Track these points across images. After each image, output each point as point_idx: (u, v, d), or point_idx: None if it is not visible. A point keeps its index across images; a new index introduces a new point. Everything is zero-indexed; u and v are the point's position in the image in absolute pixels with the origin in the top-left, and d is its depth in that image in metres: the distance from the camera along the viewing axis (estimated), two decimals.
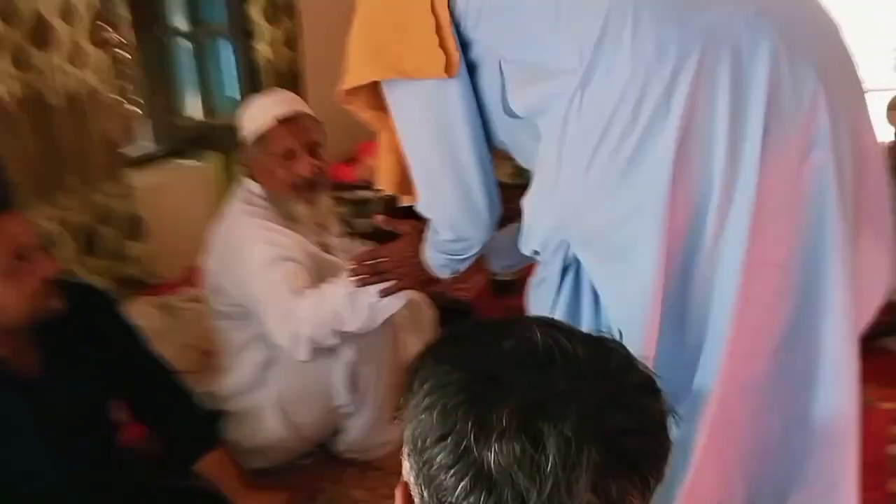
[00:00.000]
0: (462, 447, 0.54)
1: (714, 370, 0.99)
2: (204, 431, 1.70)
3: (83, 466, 1.46)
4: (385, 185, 1.44)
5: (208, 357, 2.18)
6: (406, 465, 0.61)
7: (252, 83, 2.73)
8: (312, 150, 1.86)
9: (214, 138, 2.89)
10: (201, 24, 2.80)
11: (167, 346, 1.75)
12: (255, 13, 2.66)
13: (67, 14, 2.14)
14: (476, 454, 0.53)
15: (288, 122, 1.84)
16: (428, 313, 2.31)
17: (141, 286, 2.50)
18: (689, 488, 1.01)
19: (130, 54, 2.81)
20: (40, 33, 2.09)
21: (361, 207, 2.90)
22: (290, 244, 1.80)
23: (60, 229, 2.21)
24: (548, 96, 1.01)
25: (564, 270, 1.10)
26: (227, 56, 2.85)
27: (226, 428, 1.87)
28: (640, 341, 0.98)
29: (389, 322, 1.80)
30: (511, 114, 1.10)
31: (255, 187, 1.89)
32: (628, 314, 0.99)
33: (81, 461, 1.46)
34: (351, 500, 1.94)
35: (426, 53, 1.09)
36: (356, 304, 1.63)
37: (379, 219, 1.63)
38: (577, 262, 1.08)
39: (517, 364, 0.57)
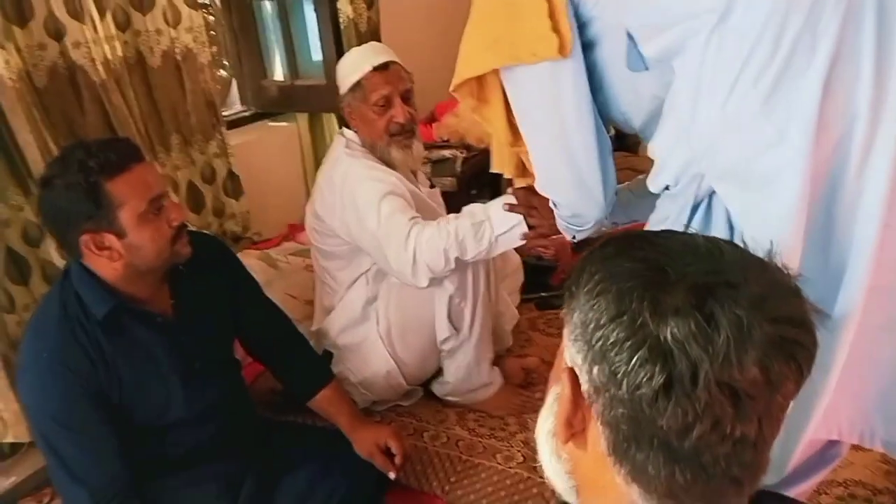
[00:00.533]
0: (638, 323, 0.57)
1: (854, 300, 1.00)
2: (317, 370, 1.79)
3: (212, 401, 1.56)
4: (501, 170, 1.55)
5: (309, 306, 2.28)
6: (571, 350, 0.64)
7: (335, 43, 2.77)
8: (405, 97, 1.95)
9: (299, 99, 2.97)
10: None
11: (271, 296, 1.84)
12: None
13: None
14: (651, 328, 0.56)
15: (383, 70, 1.92)
16: (516, 259, 2.37)
17: (239, 241, 2.61)
18: (829, 405, 1.04)
19: (217, 18, 2.89)
20: None
21: (441, 166, 2.94)
22: (395, 181, 1.89)
23: (168, 187, 2.31)
24: (684, 36, 1.04)
25: (694, 208, 1.12)
26: (309, 17, 2.89)
27: (335, 364, 1.97)
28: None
29: (485, 264, 1.88)
30: (638, 67, 1.13)
31: (352, 135, 1.98)
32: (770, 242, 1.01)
33: (211, 396, 1.56)
34: (454, 437, 2.02)
35: (540, 37, 1.14)
36: (481, 233, 1.72)
37: (513, 191, 1.71)
38: (708, 198, 1.11)
39: (683, 257, 0.60)
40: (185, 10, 2.29)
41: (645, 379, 0.56)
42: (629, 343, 0.57)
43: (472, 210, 1.76)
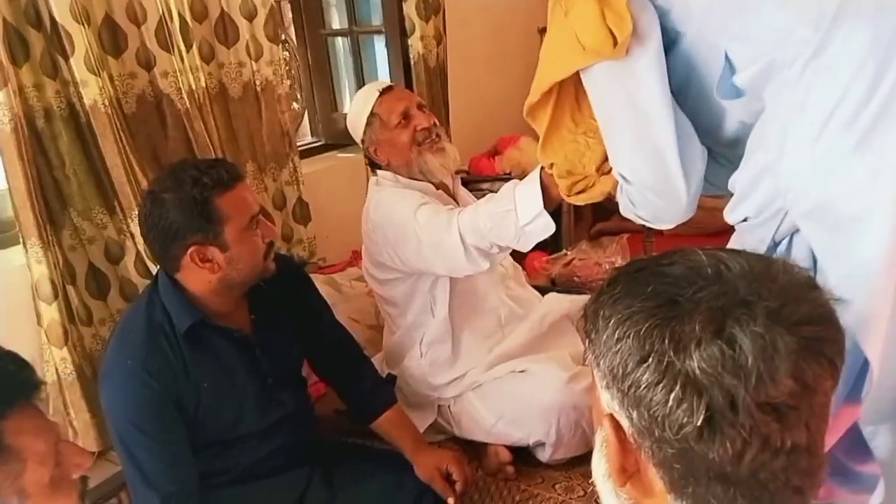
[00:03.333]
0: (665, 363, 0.58)
1: None
2: (382, 392, 1.82)
3: (280, 416, 1.60)
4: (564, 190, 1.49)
5: (371, 330, 2.32)
6: (605, 398, 0.65)
7: (405, 78, 2.86)
8: (420, 107, 1.99)
9: None
10: (358, 22, 2.96)
11: None
12: (410, 10, 2.80)
13: (248, 10, 2.33)
14: (679, 366, 0.57)
15: (389, 92, 1.99)
16: None
17: (305, 266, 2.68)
18: None
19: (293, 53, 3.01)
20: (224, 29, 2.29)
21: None
22: (421, 195, 1.91)
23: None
24: (776, 67, 1.03)
25: (775, 245, 1.11)
26: (380, 53, 3.00)
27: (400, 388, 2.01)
28: (867, 313, 0.98)
29: None
30: (730, 95, 1.11)
31: (383, 173, 2.01)
32: (856, 284, 0.99)
33: (280, 411, 1.60)
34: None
35: (598, 37, 1.13)
36: (507, 222, 1.65)
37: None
38: (790, 235, 1.10)
39: (691, 283, 0.60)
40: (266, 44, 2.39)
41: (686, 418, 0.57)
42: (661, 385, 0.58)
43: (503, 193, 1.69)
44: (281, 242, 2.60)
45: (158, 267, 1.52)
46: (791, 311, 0.58)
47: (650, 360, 0.58)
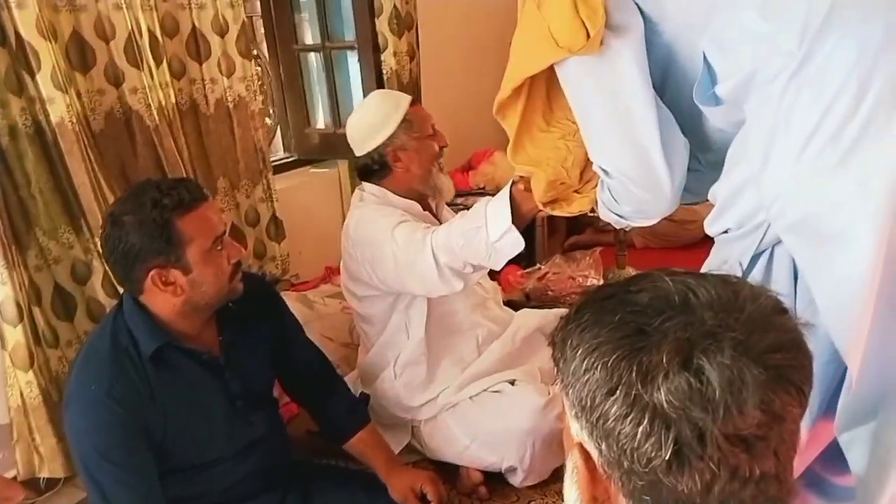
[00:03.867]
0: (633, 396, 0.57)
1: None
2: (355, 412, 1.80)
3: (251, 439, 1.58)
4: (541, 196, 1.48)
5: (345, 348, 2.30)
6: (575, 427, 0.65)
7: None
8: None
9: (341, 146, 3.03)
10: (331, 38, 2.96)
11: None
12: (383, 25, 2.80)
13: (219, 26, 2.32)
14: (647, 399, 0.57)
15: (416, 103, 2.00)
16: None
17: (277, 284, 2.65)
18: None
19: (265, 68, 3.00)
20: (196, 44, 2.27)
21: None
22: (403, 212, 1.91)
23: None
24: (756, 80, 1.02)
25: (755, 257, 1.10)
26: (353, 68, 2.99)
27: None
28: (849, 327, 0.98)
29: None
30: (708, 102, 1.10)
31: (371, 188, 2.00)
32: (840, 298, 0.99)
33: (250, 434, 1.58)
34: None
35: (570, 29, 1.09)
36: (475, 239, 1.64)
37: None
38: (771, 248, 1.09)
39: (658, 312, 0.60)
40: (238, 60, 2.38)
41: (654, 451, 0.57)
42: (629, 418, 0.58)
43: (475, 210, 1.69)
44: (253, 260, 2.57)
45: (123, 290, 1.49)
46: (758, 339, 0.57)
47: (618, 392, 0.58)
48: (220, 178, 2.40)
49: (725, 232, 1.15)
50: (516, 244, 1.62)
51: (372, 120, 1.98)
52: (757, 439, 0.56)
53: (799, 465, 0.99)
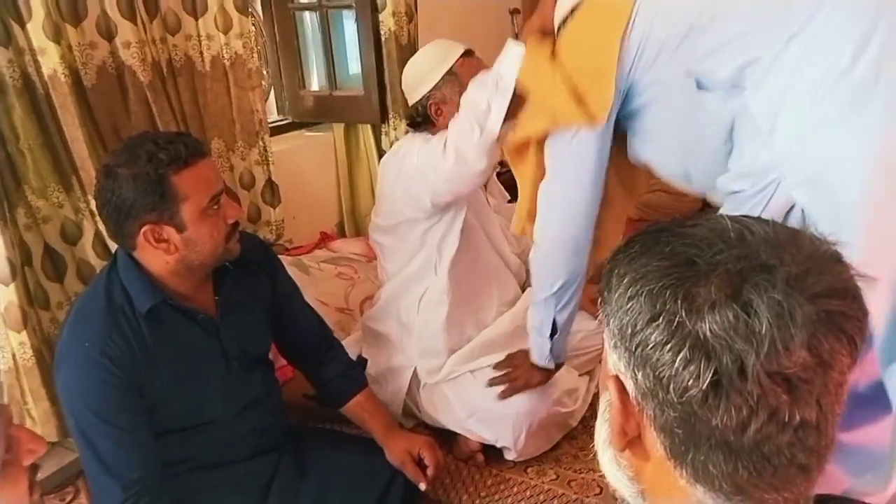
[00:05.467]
0: (675, 323, 0.55)
1: None
2: (352, 376, 1.78)
3: (246, 401, 1.56)
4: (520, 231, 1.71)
5: (340, 313, 2.28)
6: (613, 358, 0.63)
7: (376, 54, 2.79)
8: None
9: (336, 109, 2.99)
10: None
11: None
12: None
13: None
14: (690, 327, 0.55)
15: (470, 56, 1.95)
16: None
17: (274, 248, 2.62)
18: None
19: (259, 27, 2.92)
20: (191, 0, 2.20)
21: None
22: None
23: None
24: (758, 52, 1.10)
25: None
26: (350, 28, 2.92)
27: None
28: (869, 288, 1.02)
29: None
30: (706, 87, 1.18)
31: (422, 135, 1.98)
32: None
33: (246, 395, 1.56)
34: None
35: (570, 108, 1.32)
36: (482, 80, 1.72)
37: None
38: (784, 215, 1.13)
39: (711, 245, 0.58)
40: (235, 16, 2.30)
41: (691, 380, 0.55)
42: (669, 345, 0.56)
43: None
44: (247, 223, 2.53)
45: (117, 245, 1.45)
46: (814, 281, 0.55)
47: (660, 319, 0.56)
48: (215, 139, 2.34)
49: (738, 192, 1.19)
50: (517, 55, 1.63)
51: (418, 70, 1.94)
52: (801, 381, 0.54)
53: None
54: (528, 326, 1.79)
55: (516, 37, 1.66)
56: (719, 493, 0.60)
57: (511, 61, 1.65)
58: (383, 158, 2.09)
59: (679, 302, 0.56)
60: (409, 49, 2.86)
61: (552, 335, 1.73)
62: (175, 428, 1.47)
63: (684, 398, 0.56)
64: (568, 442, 1.99)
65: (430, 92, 1.91)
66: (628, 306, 0.59)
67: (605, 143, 1.40)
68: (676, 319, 0.55)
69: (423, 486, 1.65)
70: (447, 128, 1.85)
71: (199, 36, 2.25)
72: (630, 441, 0.64)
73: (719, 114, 1.20)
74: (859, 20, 1.00)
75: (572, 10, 1.44)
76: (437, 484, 1.84)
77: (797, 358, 0.53)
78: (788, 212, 1.13)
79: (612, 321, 0.62)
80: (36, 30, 1.76)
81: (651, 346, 0.57)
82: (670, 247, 0.59)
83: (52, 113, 1.85)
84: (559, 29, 1.49)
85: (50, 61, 1.79)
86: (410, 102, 1.97)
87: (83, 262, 2.00)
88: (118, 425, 1.35)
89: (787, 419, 0.55)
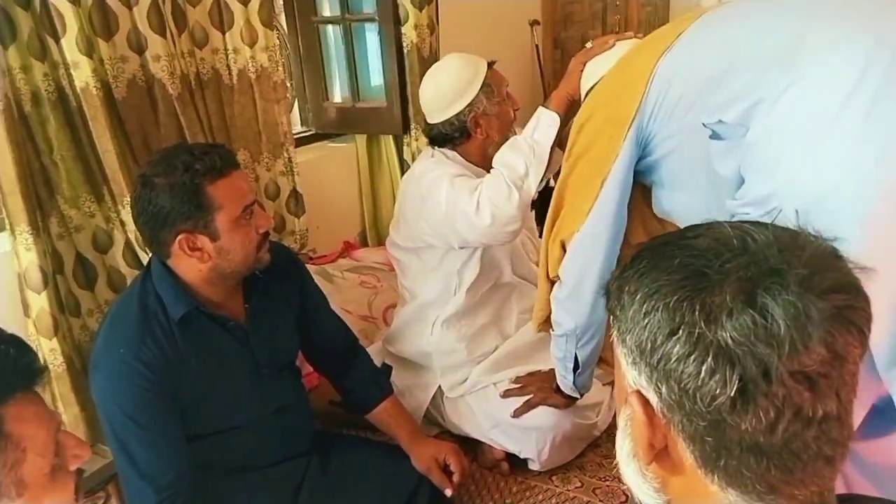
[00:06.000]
0: (696, 335, 0.57)
1: None
2: (378, 382, 1.80)
3: (275, 406, 1.58)
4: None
5: (364, 321, 2.30)
6: (631, 375, 0.64)
7: (398, 66, 2.83)
8: None
9: (359, 121, 3.02)
10: (350, 10, 2.92)
11: None
12: None
13: None
14: (711, 337, 0.56)
15: (493, 66, 1.97)
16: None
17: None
18: None
19: (284, 40, 2.97)
20: (219, 13, 2.24)
21: None
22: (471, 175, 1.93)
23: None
24: (762, 93, 1.16)
25: None
26: (372, 41, 2.96)
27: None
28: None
29: None
30: (718, 136, 1.24)
31: (447, 152, 2.00)
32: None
33: (275, 401, 1.58)
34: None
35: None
36: (515, 145, 1.78)
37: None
38: None
39: (718, 255, 0.59)
40: (261, 30, 2.34)
41: (719, 389, 0.56)
42: (693, 357, 0.57)
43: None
44: (272, 233, 2.55)
45: (151, 253, 1.48)
46: (820, 279, 0.57)
47: (680, 332, 0.58)
48: (241, 150, 2.37)
49: (744, 215, 1.21)
50: (552, 122, 1.70)
51: (454, 85, 1.93)
52: (820, 377, 0.56)
53: None
54: (551, 354, 1.78)
55: (536, 48, 1.72)
56: (752, 495, 0.61)
57: (546, 128, 1.75)
58: (404, 178, 2.09)
59: (697, 313, 0.57)
60: (430, 61, 2.89)
61: (575, 369, 1.73)
62: (206, 432, 1.49)
63: (712, 406, 0.57)
64: (592, 450, 2.00)
65: (468, 105, 1.91)
66: (645, 322, 0.60)
67: (624, 189, 1.43)
68: (696, 331, 0.57)
69: (448, 493, 1.66)
70: (489, 141, 1.92)
71: (225, 49, 2.29)
72: (657, 454, 0.65)
73: (729, 160, 1.25)
74: (857, 55, 1.07)
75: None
76: (463, 491, 1.85)
77: (816, 355, 0.55)
78: None
79: (627, 338, 0.63)
80: (70, 44, 1.81)
81: (674, 359, 0.58)
82: (678, 259, 0.61)
83: (85, 125, 1.89)
84: (585, 96, 1.55)
85: (82, 75, 1.84)
86: (441, 119, 1.94)
87: (113, 271, 2.04)
88: (151, 429, 1.38)
89: (811, 415, 0.56)
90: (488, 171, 1.88)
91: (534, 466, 1.95)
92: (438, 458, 1.67)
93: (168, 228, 1.35)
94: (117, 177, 1.92)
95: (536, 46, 3.94)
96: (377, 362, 2.00)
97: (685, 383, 0.58)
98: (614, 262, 1.51)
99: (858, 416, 1.17)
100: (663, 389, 0.60)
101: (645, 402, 0.63)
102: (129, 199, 1.80)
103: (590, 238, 1.48)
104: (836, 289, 0.57)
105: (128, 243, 2.01)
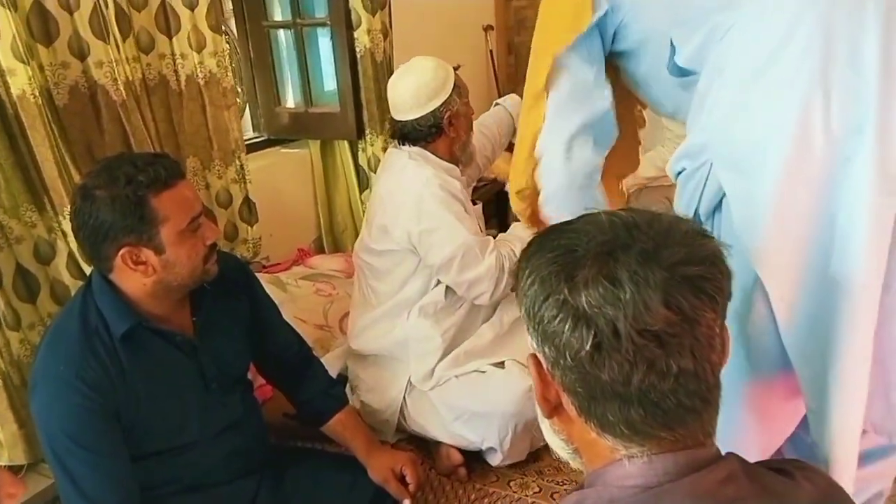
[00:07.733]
0: (561, 300, 0.68)
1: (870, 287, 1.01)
2: (333, 394, 1.76)
3: (226, 422, 1.54)
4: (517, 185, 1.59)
5: (319, 330, 2.27)
6: (529, 340, 0.75)
7: (351, 72, 2.80)
8: None
9: (312, 126, 2.99)
10: (302, 15, 2.88)
11: None
12: (356, 2, 2.73)
13: (189, 0, 2.24)
14: (572, 301, 0.67)
15: (456, 69, 2.04)
16: None
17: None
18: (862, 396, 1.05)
19: (234, 45, 2.92)
20: (165, 18, 2.19)
21: None
22: (460, 188, 1.99)
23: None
24: (707, 43, 1.14)
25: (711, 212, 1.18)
26: (325, 46, 2.92)
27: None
28: (768, 249, 1.06)
29: None
30: (676, 73, 1.22)
31: (418, 150, 2.01)
32: (756, 224, 1.05)
33: (225, 417, 1.54)
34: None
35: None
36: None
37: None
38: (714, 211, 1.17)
39: (587, 235, 0.71)
40: (209, 35, 2.29)
41: (578, 344, 0.67)
42: (558, 318, 0.68)
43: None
44: (224, 241, 2.51)
45: (92, 267, 1.43)
46: (668, 252, 0.67)
47: (550, 298, 0.69)
48: (191, 158, 2.32)
49: (682, 171, 1.23)
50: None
51: (430, 83, 1.97)
52: (669, 336, 0.65)
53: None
54: None
55: (490, 53, 1.71)
56: (622, 438, 0.71)
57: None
58: (381, 179, 2.08)
59: (562, 283, 0.69)
60: (384, 66, 2.88)
61: None
62: (154, 451, 1.44)
63: (577, 360, 0.68)
64: (548, 454, 2.00)
65: (444, 103, 1.97)
66: (529, 292, 0.72)
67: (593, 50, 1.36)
68: (561, 297, 0.68)
69: (406, 503, 1.64)
70: (457, 140, 2.00)
71: (172, 55, 2.24)
72: (554, 408, 0.76)
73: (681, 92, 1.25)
74: (790, 8, 1.03)
75: None
76: (420, 500, 1.83)
77: (659, 316, 0.65)
78: (721, 200, 1.15)
79: (522, 308, 0.74)
80: (4, 50, 1.74)
81: (547, 321, 0.70)
82: (556, 241, 0.73)
83: (23, 133, 1.82)
84: None
85: (19, 82, 1.76)
86: (415, 115, 1.97)
87: (57, 283, 1.97)
88: (94, 450, 1.33)
89: (665, 368, 0.66)
90: (457, 167, 2.02)
91: (495, 459, 1.95)
92: (395, 469, 1.64)
93: (110, 242, 1.31)
94: (56, 185, 1.85)
95: (490, 51, 3.95)
96: (334, 372, 1.97)
97: (556, 341, 0.69)
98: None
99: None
100: (546, 349, 0.72)
101: (538, 363, 0.75)
102: (69, 210, 1.75)
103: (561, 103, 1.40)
104: (685, 261, 0.67)
105: (71, 254, 1.95)
